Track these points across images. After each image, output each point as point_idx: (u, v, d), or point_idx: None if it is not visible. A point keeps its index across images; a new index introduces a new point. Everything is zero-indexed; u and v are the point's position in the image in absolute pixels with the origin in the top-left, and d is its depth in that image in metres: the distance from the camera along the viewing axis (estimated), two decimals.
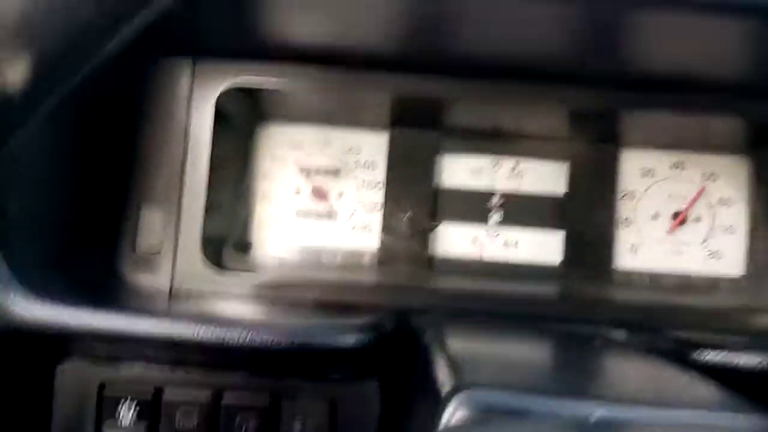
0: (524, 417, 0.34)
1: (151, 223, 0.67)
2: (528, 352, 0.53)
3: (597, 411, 0.34)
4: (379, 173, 0.77)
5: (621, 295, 0.75)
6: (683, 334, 0.63)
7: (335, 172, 0.78)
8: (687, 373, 0.47)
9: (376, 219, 0.77)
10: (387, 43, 0.65)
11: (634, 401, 0.37)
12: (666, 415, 0.35)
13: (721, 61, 0.65)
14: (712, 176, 0.79)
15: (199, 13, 0.59)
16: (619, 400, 0.37)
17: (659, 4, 0.53)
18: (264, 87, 0.69)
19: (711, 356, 0.56)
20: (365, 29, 0.62)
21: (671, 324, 0.67)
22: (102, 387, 0.52)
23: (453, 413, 0.35)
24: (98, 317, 0.49)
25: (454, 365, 0.42)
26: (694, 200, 0.78)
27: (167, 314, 0.50)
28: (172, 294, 0.66)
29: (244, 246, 0.76)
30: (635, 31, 0.60)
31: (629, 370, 0.49)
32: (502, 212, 0.78)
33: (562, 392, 0.39)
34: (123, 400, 0.51)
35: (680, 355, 0.56)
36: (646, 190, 0.79)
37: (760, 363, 0.55)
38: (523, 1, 0.53)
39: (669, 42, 0.61)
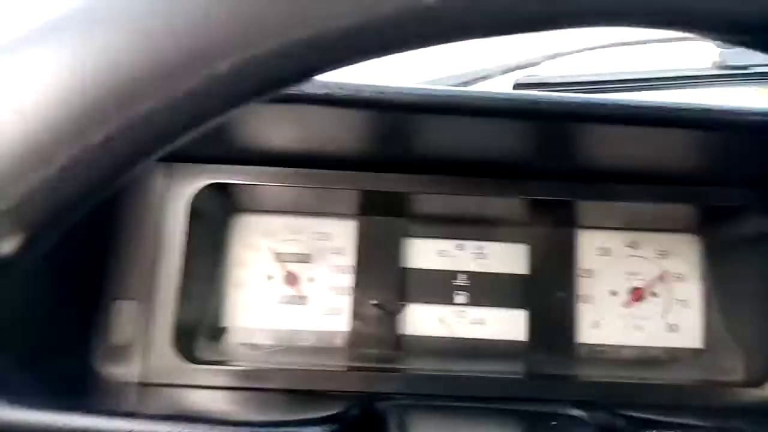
0: None
1: (124, 316, 0.69)
2: None
3: None
4: (349, 258, 0.81)
5: (584, 371, 0.77)
6: (642, 414, 0.65)
7: (307, 259, 0.81)
8: None
9: (347, 302, 0.80)
10: (352, 149, 0.70)
11: None
12: None
13: (672, 157, 0.71)
14: (665, 253, 0.83)
15: None
16: None
17: (603, 121, 0.58)
18: (237, 186, 0.73)
19: None
20: (329, 140, 0.67)
21: (632, 400, 0.69)
22: None
23: None
24: (64, 418, 0.50)
25: None
26: (647, 277, 0.82)
27: (133, 413, 0.51)
28: (144, 386, 0.67)
29: (217, 333, 0.78)
30: (586, 138, 0.66)
31: None
32: (468, 292, 0.81)
33: None
34: None
35: None
36: (603, 268, 0.83)
37: None
38: (476, 119, 0.58)
39: (620, 144, 0.67)
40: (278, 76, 0.25)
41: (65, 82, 0.24)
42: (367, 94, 0.55)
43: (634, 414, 0.63)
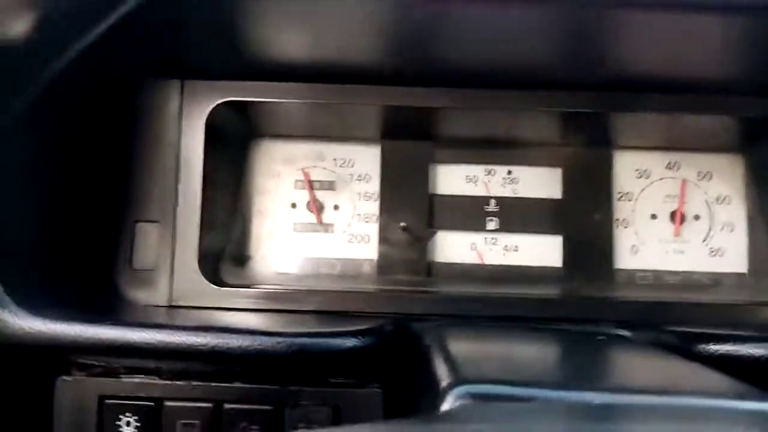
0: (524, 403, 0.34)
1: (147, 240, 0.67)
2: (529, 350, 0.53)
3: (599, 399, 0.34)
4: (374, 185, 0.78)
5: (623, 294, 0.74)
6: (687, 329, 0.62)
7: (330, 185, 0.78)
8: (692, 363, 0.46)
9: (374, 229, 0.77)
10: (375, 58, 0.66)
11: (639, 390, 0.36)
12: (673, 402, 0.35)
13: (711, 61, 0.66)
14: (707, 174, 0.79)
15: (186, 35, 0.60)
16: (622, 389, 0.37)
17: (643, 5, 0.53)
18: (253, 104, 0.70)
19: (716, 348, 0.55)
20: (352, 46, 0.63)
21: (674, 320, 0.66)
22: (102, 399, 0.51)
23: (451, 405, 0.34)
24: (95, 330, 0.49)
25: (453, 363, 0.41)
26: (682, 197, 0.78)
27: (162, 325, 0.49)
28: (170, 308, 0.66)
29: (241, 260, 0.76)
30: (622, 34, 0.61)
31: (633, 363, 0.49)
32: (498, 218, 0.78)
33: (564, 383, 0.38)
34: (123, 413, 0.50)
35: (685, 349, 0.56)
36: (642, 191, 0.79)
37: (766, 353, 0.54)
38: (507, 8, 0.53)
39: (657, 43, 0.61)
40: None
41: None
42: None
43: (682, 329, 0.60)
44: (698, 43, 0.61)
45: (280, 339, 0.48)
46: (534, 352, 0.52)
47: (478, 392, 0.35)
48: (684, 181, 0.78)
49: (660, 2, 0.53)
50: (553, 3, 0.51)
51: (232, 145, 0.76)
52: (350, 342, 0.50)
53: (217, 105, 0.69)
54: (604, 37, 0.61)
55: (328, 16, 0.55)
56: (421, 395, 0.46)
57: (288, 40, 0.61)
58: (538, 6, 0.52)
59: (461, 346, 0.49)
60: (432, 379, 0.43)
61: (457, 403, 0.34)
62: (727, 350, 0.55)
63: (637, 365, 0.48)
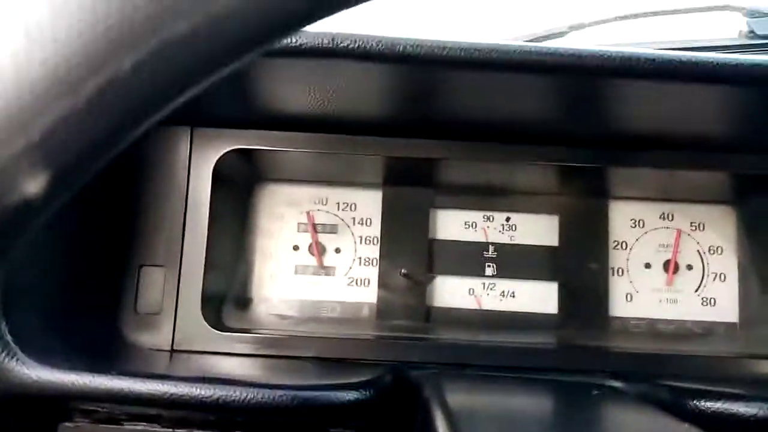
0: None
1: (152, 283, 0.68)
2: (526, 404, 0.53)
3: None
4: (375, 229, 0.79)
5: (618, 343, 0.75)
6: (680, 383, 0.63)
7: (332, 228, 0.80)
8: (684, 423, 0.47)
9: (374, 273, 0.78)
10: (378, 112, 0.68)
11: None
12: None
13: (705, 120, 0.68)
14: (700, 225, 0.81)
15: None
16: None
17: (640, 76, 0.56)
18: (260, 150, 0.71)
19: (709, 405, 0.56)
20: (357, 101, 0.65)
21: (668, 372, 0.67)
22: None
23: None
24: (101, 380, 0.49)
25: (454, 421, 0.42)
26: (676, 247, 0.80)
27: (167, 376, 0.50)
28: (173, 353, 0.66)
29: (243, 302, 0.77)
30: (619, 96, 0.63)
31: (628, 421, 0.50)
32: (496, 264, 0.79)
33: None
34: None
35: (678, 405, 0.56)
36: (636, 240, 0.80)
37: (758, 412, 0.55)
38: (503, 73, 0.55)
39: (652, 105, 0.64)
40: None
41: (89, 3, 0.22)
42: (403, 48, 0.53)
43: (676, 384, 0.61)
44: (692, 105, 0.63)
45: (282, 392, 0.49)
46: (531, 407, 0.53)
47: None
48: (678, 231, 0.80)
49: (654, 73, 0.55)
50: (554, 71, 0.53)
51: (237, 188, 0.78)
52: (352, 395, 0.51)
53: (226, 152, 0.70)
54: (600, 98, 0.64)
55: (334, 77, 0.57)
56: None
57: (296, 95, 0.63)
58: (539, 75, 0.54)
59: (459, 400, 0.50)
60: None
61: None
62: (719, 408, 0.55)
63: (632, 424, 0.48)
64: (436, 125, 0.70)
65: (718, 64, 0.55)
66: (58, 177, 0.22)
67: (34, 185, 0.22)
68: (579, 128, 0.70)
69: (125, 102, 0.22)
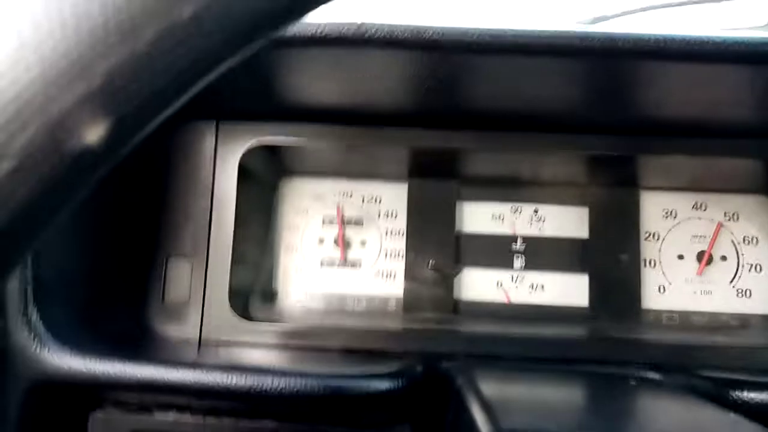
0: None
1: (179, 274, 0.68)
2: (562, 395, 0.52)
3: None
4: (401, 222, 0.78)
5: (651, 335, 0.73)
6: (719, 374, 0.61)
7: (358, 222, 0.79)
8: (728, 413, 0.46)
9: (400, 266, 0.77)
10: (403, 102, 0.67)
11: None
12: None
13: (737, 106, 0.66)
14: (733, 216, 0.79)
15: (222, 80, 0.62)
16: None
17: (669, 56, 0.54)
18: (285, 146, 0.71)
19: (751, 396, 0.54)
20: (381, 91, 0.65)
21: (704, 364, 0.65)
22: None
23: None
24: (132, 369, 0.49)
25: (489, 410, 0.41)
26: (714, 239, 0.78)
27: (198, 364, 0.50)
28: (201, 344, 0.66)
29: (269, 295, 0.77)
30: (648, 81, 0.61)
31: (668, 411, 0.48)
32: (525, 257, 0.78)
33: None
34: None
35: (719, 396, 0.55)
36: (669, 231, 0.79)
37: None
38: (533, 58, 0.54)
39: (683, 89, 0.62)
40: None
41: None
42: (430, 34, 0.52)
43: (716, 374, 0.59)
44: (725, 89, 0.61)
45: (314, 380, 0.49)
46: (567, 397, 0.52)
47: None
48: (719, 224, 0.78)
49: (685, 53, 0.54)
50: (585, 54, 0.52)
51: (263, 182, 0.77)
52: (383, 384, 0.50)
53: (251, 146, 0.70)
54: (631, 84, 0.62)
55: (360, 66, 0.56)
56: None
57: (321, 86, 0.62)
58: (569, 59, 0.53)
59: (494, 390, 0.49)
60: (468, 424, 0.43)
61: None
62: (762, 399, 0.54)
63: (674, 414, 0.47)
64: (463, 115, 0.69)
65: (753, 43, 0.53)
66: (117, 126, 0.22)
67: (94, 132, 0.22)
68: (609, 116, 0.69)
69: (183, 51, 0.22)
